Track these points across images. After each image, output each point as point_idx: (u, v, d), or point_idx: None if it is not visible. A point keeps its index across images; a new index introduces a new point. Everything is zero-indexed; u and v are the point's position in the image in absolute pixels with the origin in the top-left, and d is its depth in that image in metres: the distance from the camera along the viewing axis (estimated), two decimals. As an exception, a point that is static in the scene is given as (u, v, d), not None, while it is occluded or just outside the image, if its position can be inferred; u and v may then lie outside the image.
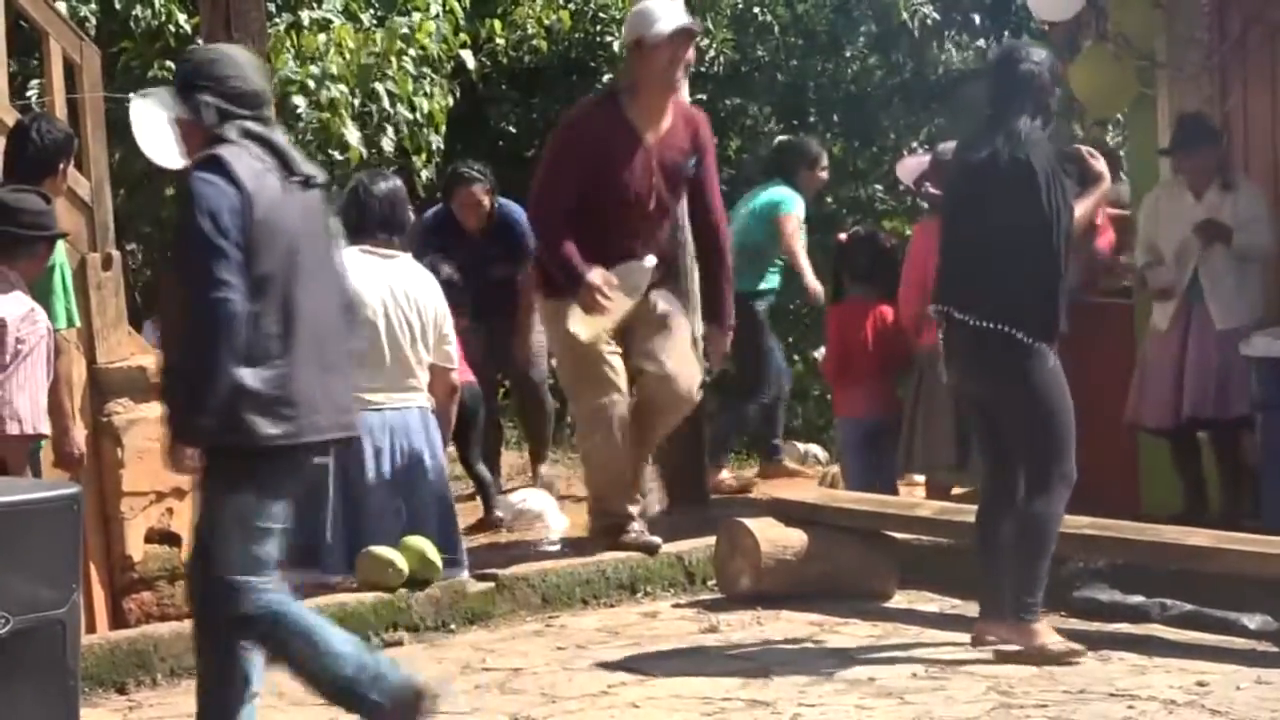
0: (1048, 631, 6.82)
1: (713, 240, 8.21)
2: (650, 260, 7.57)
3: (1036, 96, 6.82)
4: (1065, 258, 6.75)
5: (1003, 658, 6.77)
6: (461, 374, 10.41)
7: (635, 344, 7.91)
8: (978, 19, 14.56)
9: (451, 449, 10.69)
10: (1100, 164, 7.01)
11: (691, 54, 7.70)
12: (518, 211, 10.07)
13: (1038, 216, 6.68)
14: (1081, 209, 6.87)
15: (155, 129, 8.01)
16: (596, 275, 7.52)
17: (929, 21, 14.17)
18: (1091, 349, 9.62)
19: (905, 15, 13.96)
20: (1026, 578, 6.79)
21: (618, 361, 7.85)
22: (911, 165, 9.50)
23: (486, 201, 10.31)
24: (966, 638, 7.18)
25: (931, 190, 9.04)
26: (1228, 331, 8.65)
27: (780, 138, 13.93)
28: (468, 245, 10.22)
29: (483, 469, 10.31)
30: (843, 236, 10.03)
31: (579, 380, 7.90)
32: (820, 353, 9.94)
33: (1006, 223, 6.73)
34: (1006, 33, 14.47)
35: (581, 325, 7.53)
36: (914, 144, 10.97)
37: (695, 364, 8.10)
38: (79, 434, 7.81)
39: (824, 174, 11.02)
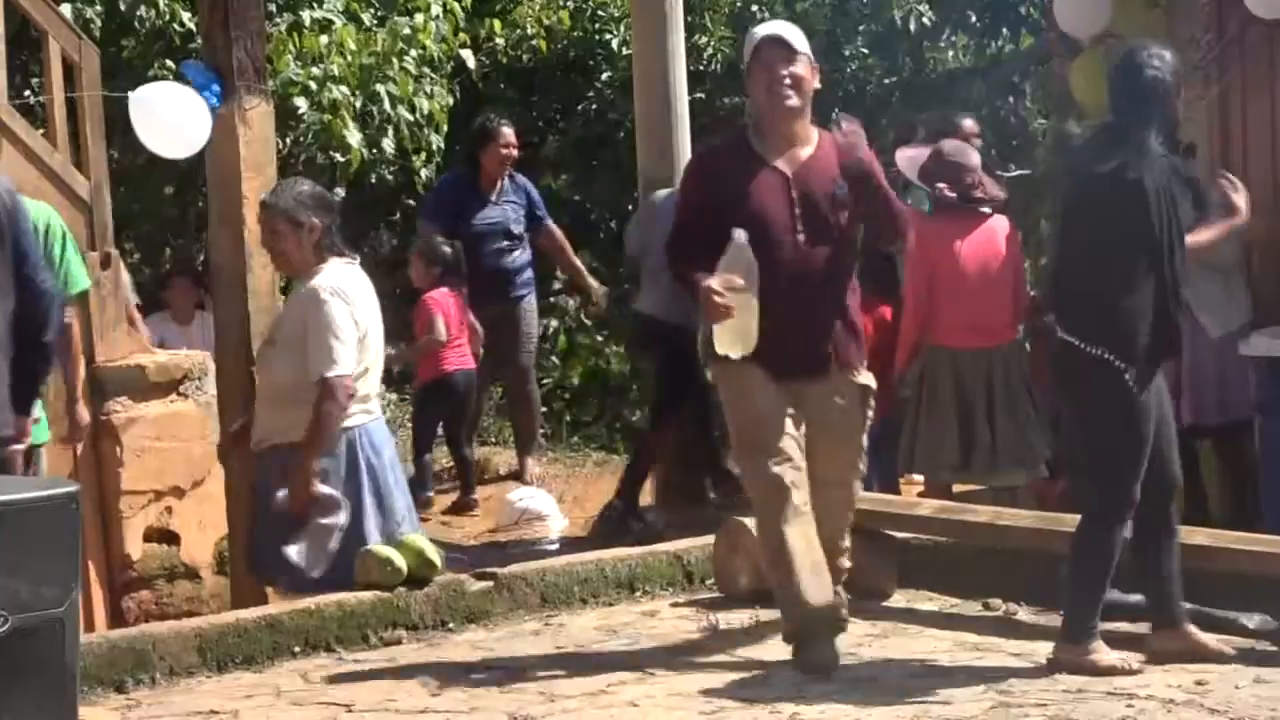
0: (1104, 651, 6.72)
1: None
2: (740, 234, 6.57)
3: (1163, 105, 6.60)
4: (1174, 284, 6.51)
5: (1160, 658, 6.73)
6: (460, 360, 10.55)
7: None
8: (974, 17, 14.55)
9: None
10: (1240, 197, 6.76)
11: (802, 69, 6.79)
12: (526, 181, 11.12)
13: (1148, 239, 6.47)
14: (1203, 237, 6.65)
15: (154, 122, 8.03)
16: (709, 279, 6.58)
17: (926, 22, 14.16)
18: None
19: (898, 16, 13.96)
20: (1074, 600, 6.72)
21: (789, 426, 6.79)
22: (912, 155, 9.40)
23: (515, 151, 10.99)
24: (966, 637, 7.19)
25: (947, 193, 9.02)
26: (1222, 338, 8.64)
27: None
28: (484, 208, 10.63)
29: (468, 452, 10.49)
30: None
31: (747, 446, 6.86)
32: None
33: (1115, 241, 6.51)
34: (1005, 29, 14.49)
35: (723, 340, 6.68)
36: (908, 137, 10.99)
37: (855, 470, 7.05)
38: (84, 411, 7.88)
39: None
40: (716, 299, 6.54)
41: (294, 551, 7.38)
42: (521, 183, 11.13)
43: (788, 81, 6.75)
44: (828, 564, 6.85)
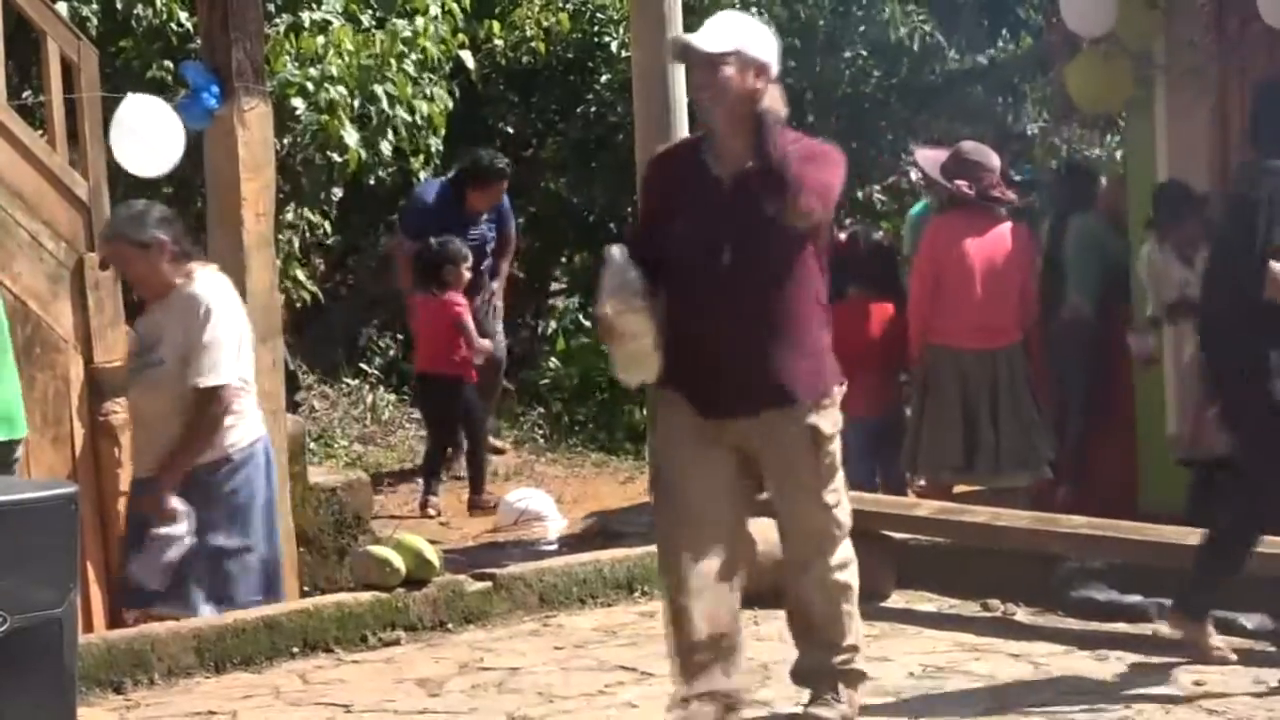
0: (1214, 635, 6.75)
1: None
2: (616, 250, 5.88)
3: None
4: None
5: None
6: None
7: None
8: (973, 21, 14.55)
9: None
10: None
11: (730, 71, 5.72)
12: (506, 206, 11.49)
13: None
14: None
15: (133, 139, 8.06)
16: (603, 303, 5.88)
17: (928, 39, 14.17)
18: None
19: (904, 31, 13.96)
20: (1203, 581, 6.73)
21: (708, 473, 5.90)
22: (932, 155, 9.45)
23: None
24: (964, 638, 7.19)
25: (965, 189, 9.04)
26: None
27: None
28: (469, 227, 10.86)
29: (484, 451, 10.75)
30: (842, 236, 10.03)
31: (656, 493, 6.15)
32: None
33: (1255, 268, 6.46)
34: (1005, 30, 14.48)
35: (622, 366, 6.03)
36: (911, 144, 11.00)
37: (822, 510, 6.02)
38: None
39: None
40: (608, 323, 5.81)
41: (135, 564, 7.27)
42: (502, 210, 11.69)
43: (709, 90, 5.80)
44: (815, 635, 6.08)
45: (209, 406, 7.16)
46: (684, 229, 5.84)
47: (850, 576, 6.08)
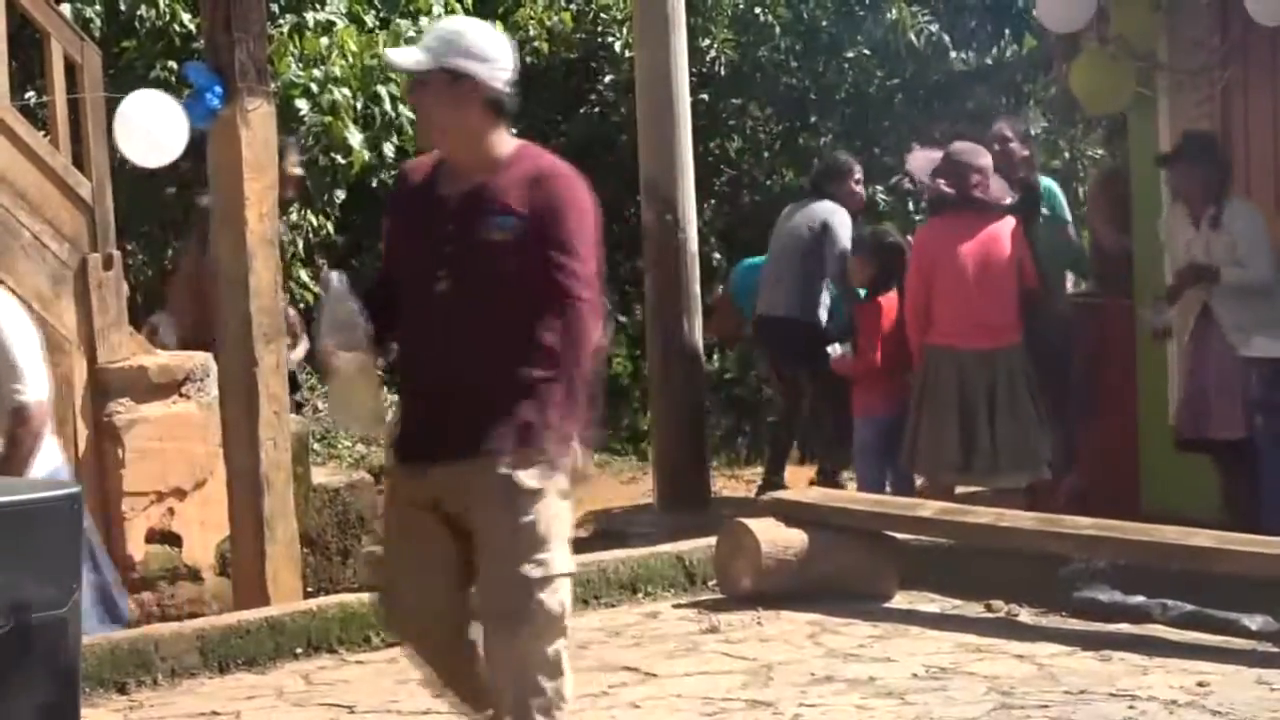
0: None
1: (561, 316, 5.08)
2: (335, 277, 5.22)
3: None
4: None
5: None
6: None
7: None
8: (976, 23, 14.55)
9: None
10: None
11: (432, 92, 5.14)
12: None
13: None
14: None
15: (137, 131, 8.08)
16: (325, 338, 5.21)
17: (934, 40, 14.16)
18: (1092, 348, 9.66)
19: (912, 35, 13.96)
20: None
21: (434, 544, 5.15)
22: (923, 160, 9.45)
23: None
24: (968, 638, 7.19)
25: (944, 188, 9.05)
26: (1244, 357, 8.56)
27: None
28: None
29: None
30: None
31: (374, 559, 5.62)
32: (838, 349, 9.89)
33: None
34: (1007, 31, 14.47)
35: (337, 412, 5.51)
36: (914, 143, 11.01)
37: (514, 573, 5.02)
38: None
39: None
40: (323, 360, 5.18)
41: None
42: None
43: (419, 108, 5.38)
44: None
45: (27, 423, 6.61)
46: (406, 252, 5.28)
47: (553, 686, 5.01)
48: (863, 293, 9.94)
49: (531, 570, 4.94)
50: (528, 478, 4.95)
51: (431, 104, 5.14)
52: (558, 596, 4.98)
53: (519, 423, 4.97)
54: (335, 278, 5.20)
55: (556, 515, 5.00)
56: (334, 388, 5.26)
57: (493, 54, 5.13)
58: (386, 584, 5.29)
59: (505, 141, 5.16)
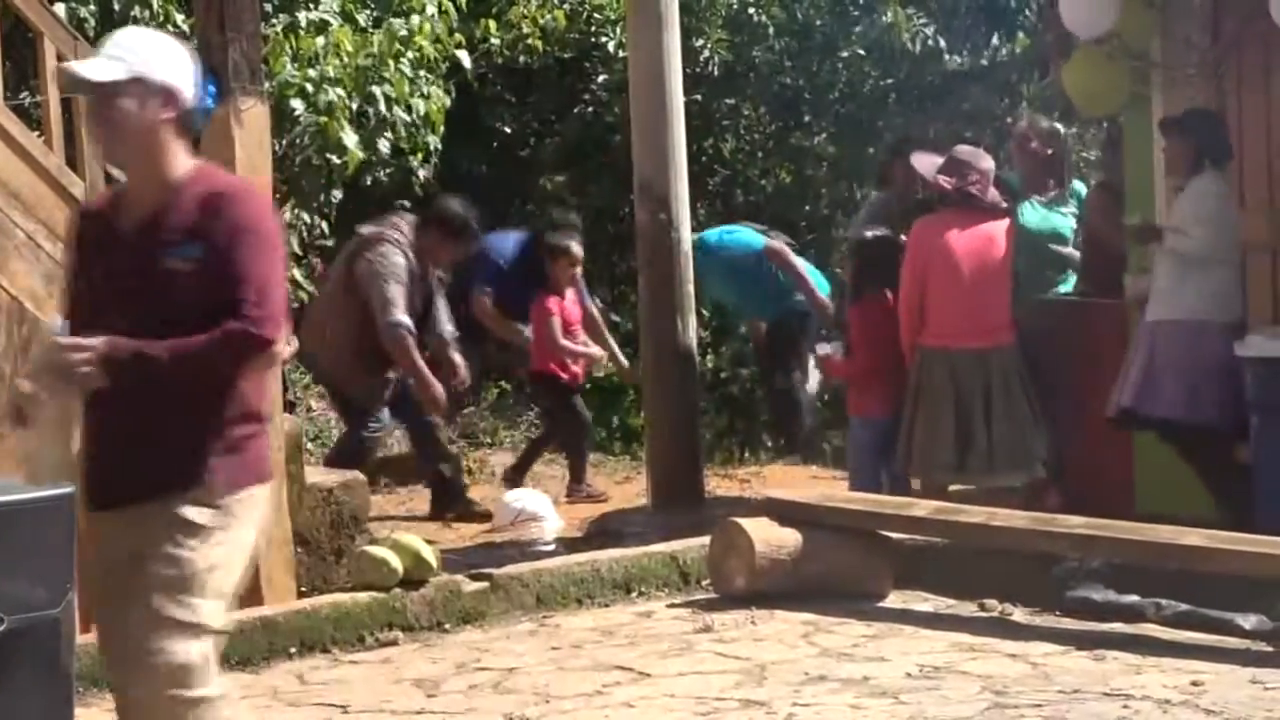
0: None
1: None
2: (56, 322, 4.99)
3: None
4: None
5: None
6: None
7: None
8: (971, 23, 14.56)
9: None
10: None
11: (128, 105, 4.78)
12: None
13: None
14: None
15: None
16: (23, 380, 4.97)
17: (929, 42, 14.16)
18: (1086, 347, 9.66)
19: (907, 39, 13.97)
20: None
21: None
22: (929, 161, 9.48)
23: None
24: (961, 638, 7.20)
25: (943, 183, 9.08)
26: (1158, 323, 8.61)
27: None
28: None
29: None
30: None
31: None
32: (826, 349, 9.90)
33: None
34: (1002, 31, 14.48)
35: (25, 464, 5.10)
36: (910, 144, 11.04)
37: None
38: None
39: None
40: (16, 405, 4.85)
41: None
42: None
43: (104, 126, 4.86)
44: None
45: None
46: (83, 290, 4.93)
47: None
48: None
49: (182, 612, 4.69)
50: (197, 517, 4.71)
51: (121, 118, 4.76)
52: (198, 652, 4.70)
53: (190, 463, 4.73)
54: (57, 319, 4.98)
55: (222, 560, 4.75)
56: (32, 433, 4.89)
57: (183, 65, 4.86)
58: (94, 615, 5.10)
59: (184, 162, 4.84)
